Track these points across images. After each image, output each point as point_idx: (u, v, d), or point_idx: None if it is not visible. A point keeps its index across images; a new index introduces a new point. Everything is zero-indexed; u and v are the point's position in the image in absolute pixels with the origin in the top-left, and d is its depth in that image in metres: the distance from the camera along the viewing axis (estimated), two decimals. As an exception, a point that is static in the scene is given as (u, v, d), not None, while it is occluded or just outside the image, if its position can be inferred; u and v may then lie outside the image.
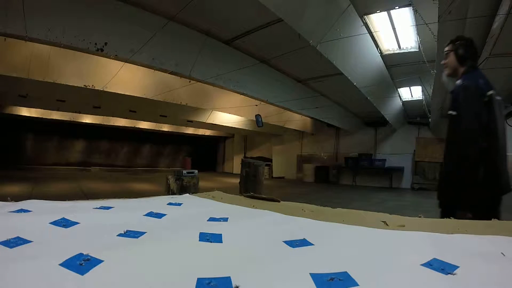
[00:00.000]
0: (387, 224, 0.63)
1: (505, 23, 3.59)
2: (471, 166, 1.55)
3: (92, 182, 9.57)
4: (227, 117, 11.54)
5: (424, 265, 0.38)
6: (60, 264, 0.32)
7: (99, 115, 11.90)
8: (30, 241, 0.40)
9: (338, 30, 4.94)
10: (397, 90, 8.91)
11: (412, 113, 11.53)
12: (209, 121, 11.54)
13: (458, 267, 0.36)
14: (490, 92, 1.62)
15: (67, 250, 0.35)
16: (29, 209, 0.62)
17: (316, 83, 7.77)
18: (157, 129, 15.08)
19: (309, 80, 7.71)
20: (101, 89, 6.64)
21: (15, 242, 0.38)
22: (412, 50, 6.17)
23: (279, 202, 1.11)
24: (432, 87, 6.63)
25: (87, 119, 12.90)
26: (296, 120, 12.21)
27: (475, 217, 1.22)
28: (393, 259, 0.42)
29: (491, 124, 1.60)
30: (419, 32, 5.22)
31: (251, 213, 0.75)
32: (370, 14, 5.12)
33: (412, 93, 9.37)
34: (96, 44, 4.54)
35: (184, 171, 5.36)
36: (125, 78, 6.72)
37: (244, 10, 4.58)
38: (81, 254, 0.34)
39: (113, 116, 12.53)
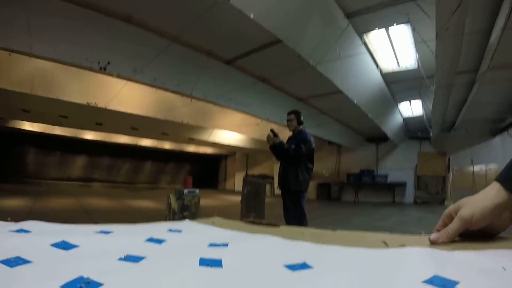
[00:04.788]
0: (387, 244, 0.64)
1: (502, 37, 3.61)
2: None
3: (93, 198, 9.50)
4: (228, 135, 11.59)
5: (426, 282, 0.38)
6: (61, 287, 0.33)
7: (101, 131, 11.99)
8: (29, 261, 0.42)
9: (338, 50, 5.03)
10: (397, 106, 8.97)
11: (413, 128, 11.57)
12: (211, 139, 11.59)
13: (458, 283, 0.37)
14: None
15: (67, 273, 0.36)
16: (28, 230, 0.63)
17: (316, 101, 7.83)
18: (158, 146, 15.13)
19: (309, 98, 7.77)
20: (103, 107, 6.72)
21: (16, 261, 0.39)
22: (411, 67, 6.25)
23: (279, 227, 1.12)
24: (432, 102, 6.65)
25: (89, 135, 12.99)
26: (297, 138, 12.23)
27: None
28: (394, 277, 0.43)
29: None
30: (417, 49, 5.30)
31: (251, 238, 0.76)
32: (369, 31, 5.22)
33: (412, 109, 9.42)
34: (99, 62, 4.63)
35: (185, 190, 5.34)
36: (127, 96, 6.81)
37: (245, 31, 4.67)
38: (81, 277, 0.35)
39: (115, 133, 12.60)
